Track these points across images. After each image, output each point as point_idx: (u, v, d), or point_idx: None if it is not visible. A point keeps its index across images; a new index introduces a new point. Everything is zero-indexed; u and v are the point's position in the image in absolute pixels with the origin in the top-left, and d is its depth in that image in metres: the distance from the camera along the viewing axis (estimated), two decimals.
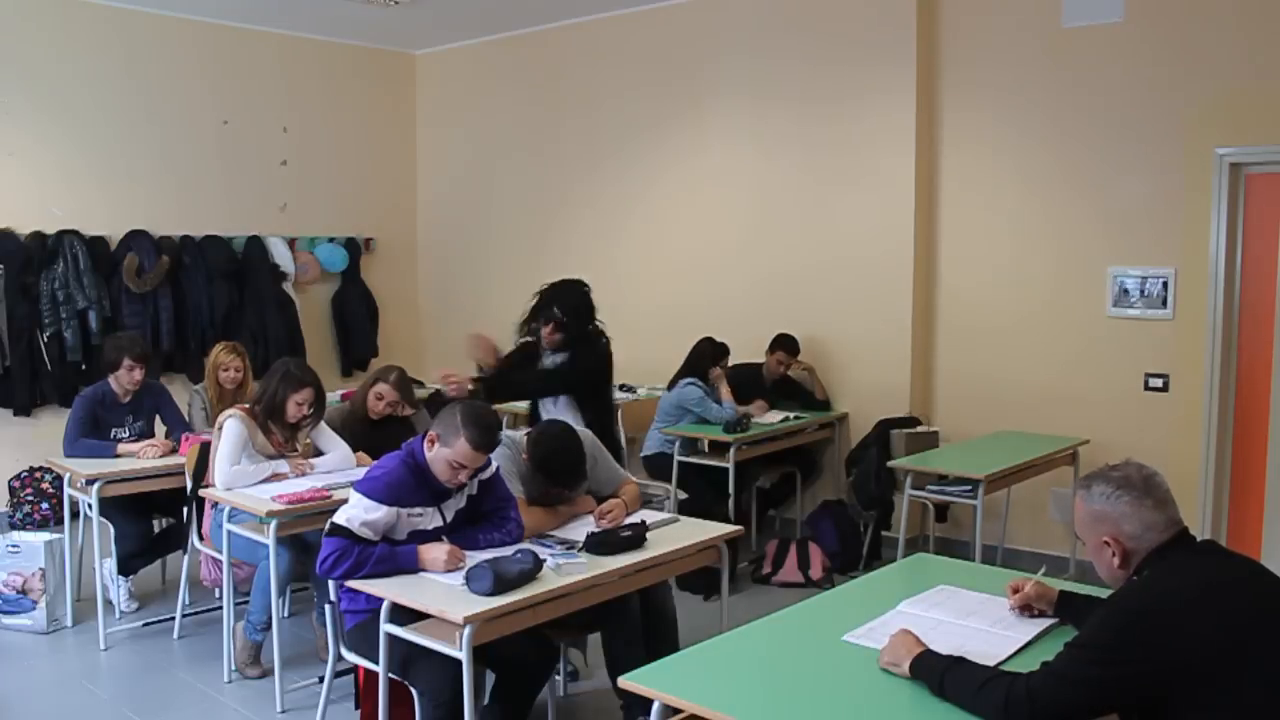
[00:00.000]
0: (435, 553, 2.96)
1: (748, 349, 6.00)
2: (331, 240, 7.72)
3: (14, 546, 4.67)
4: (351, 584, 2.94)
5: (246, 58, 7.27)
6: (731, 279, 6.44)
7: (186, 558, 4.56)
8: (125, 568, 4.78)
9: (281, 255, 7.32)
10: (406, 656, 2.92)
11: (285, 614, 4.74)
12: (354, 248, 7.85)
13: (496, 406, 4.35)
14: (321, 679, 3.56)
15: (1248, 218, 4.93)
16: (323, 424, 4.35)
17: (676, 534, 3.39)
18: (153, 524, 4.91)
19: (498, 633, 2.78)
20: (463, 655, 2.68)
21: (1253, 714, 1.84)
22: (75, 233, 6.38)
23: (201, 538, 4.32)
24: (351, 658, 3.16)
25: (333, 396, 5.10)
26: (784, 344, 5.93)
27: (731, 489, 5.30)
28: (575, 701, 3.98)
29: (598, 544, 3.14)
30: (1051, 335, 5.42)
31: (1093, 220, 5.28)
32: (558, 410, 4.31)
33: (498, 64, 7.69)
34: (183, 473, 4.49)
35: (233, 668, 4.15)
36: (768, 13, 6.18)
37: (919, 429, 5.53)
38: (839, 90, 5.90)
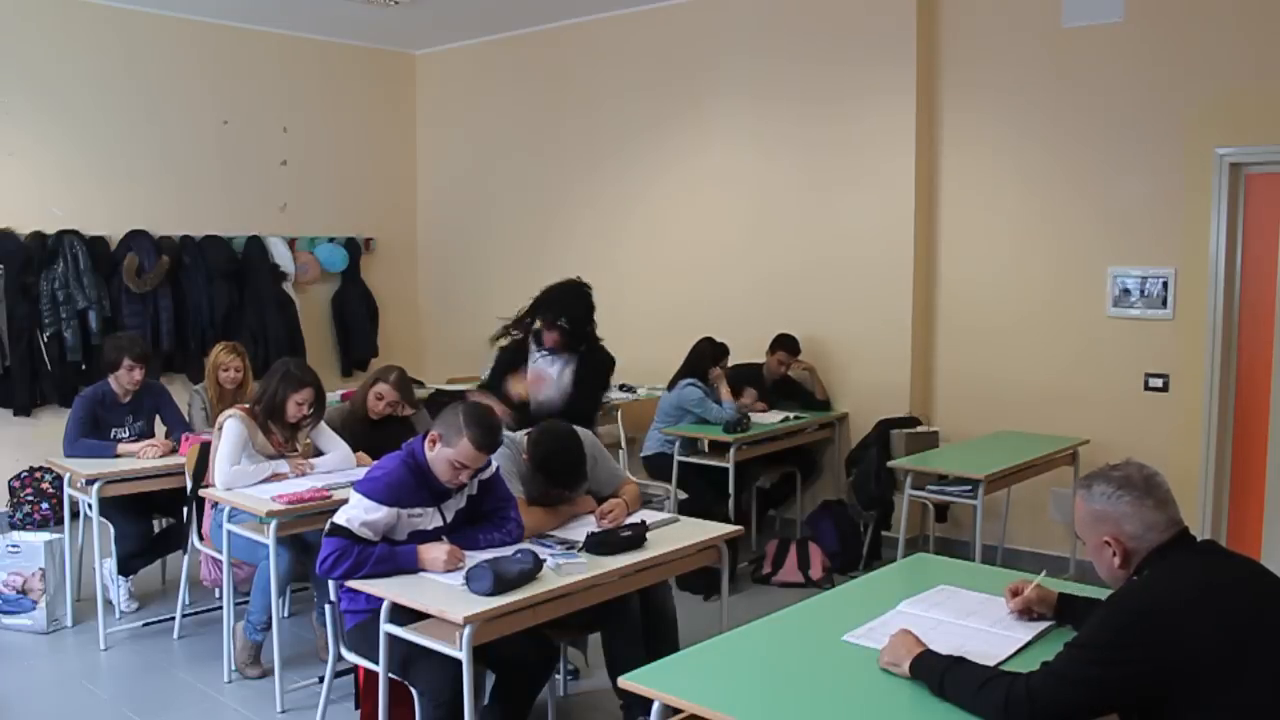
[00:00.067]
0: (435, 553, 2.96)
1: (748, 349, 6.00)
2: (331, 240, 7.72)
3: (14, 546, 4.67)
4: (351, 584, 2.94)
5: (246, 58, 7.27)
6: (732, 279, 6.44)
7: (186, 558, 4.56)
8: (125, 568, 4.78)
9: (281, 255, 7.32)
10: (406, 656, 2.92)
11: (285, 614, 4.74)
12: (354, 248, 7.85)
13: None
14: (321, 679, 3.56)
15: (1248, 218, 4.93)
16: (323, 424, 4.35)
17: (676, 534, 3.39)
18: (153, 524, 4.91)
19: (498, 633, 2.78)
20: (463, 655, 2.68)
21: (1253, 714, 1.84)
22: (75, 233, 6.38)
23: (201, 538, 4.32)
24: (351, 658, 3.16)
25: (333, 396, 5.09)
26: (785, 344, 5.93)
27: (731, 489, 5.30)
28: (575, 701, 3.98)
29: (598, 544, 3.14)
30: (1051, 335, 5.42)
31: (1093, 220, 5.28)
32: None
33: (498, 64, 7.69)
34: (183, 473, 4.49)
35: (233, 668, 4.15)
36: (768, 13, 6.18)
37: (919, 429, 5.53)
38: (839, 90, 5.90)
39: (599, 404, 4.58)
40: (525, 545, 3.14)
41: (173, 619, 4.65)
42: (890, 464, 5.00)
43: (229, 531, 3.94)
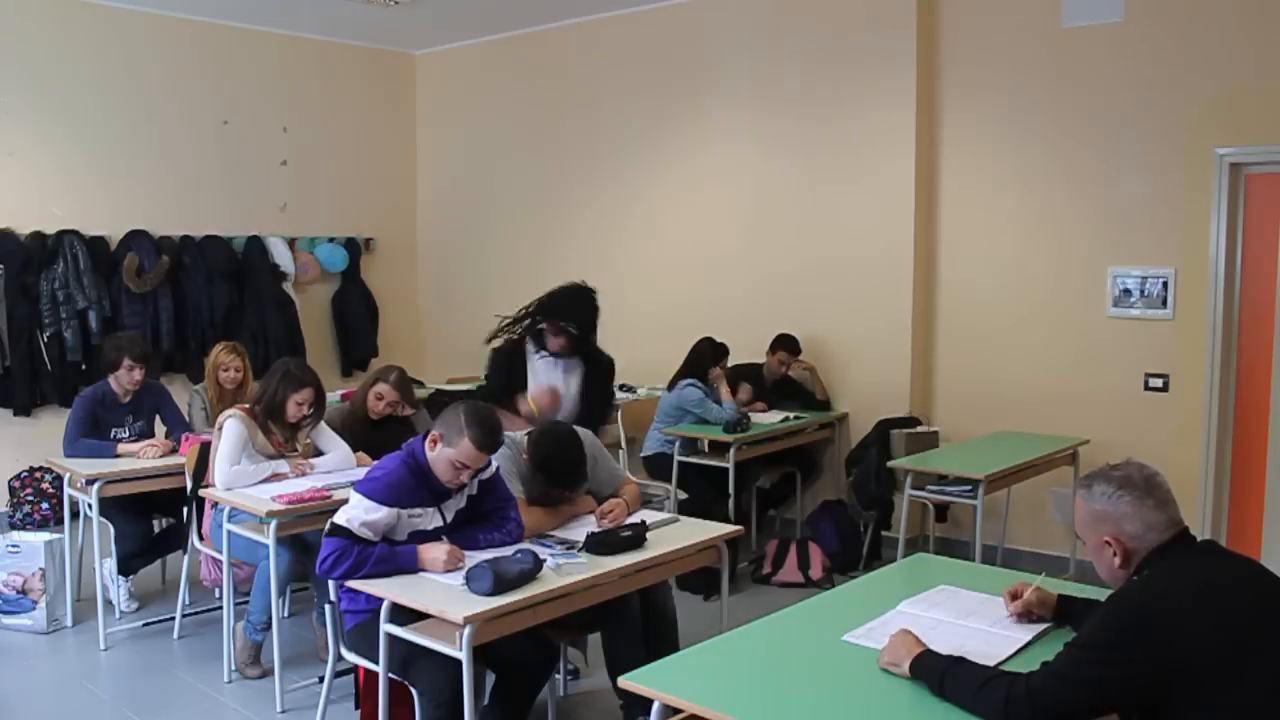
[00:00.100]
0: (435, 553, 2.96)
1: (748, 349, 6.00)
2: (331, 240, 7.72)
3: (14, 546, 4.68)
4: (351, 584, 2.94)
5: (246, 58, 7.27)
6: (732, 279, 6.44)
7: (186, 558, 4.56)
8: (125, 568, 4.78)
9: (281, 255, 7.32)
10: (406, 656, 2.92)
11: (285, 614, 4.74)
12: (354, 248, 7.85)
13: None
14: (321, 679, 3.56)
15: (1248, 218, 4.93)
16: (323, 424, 4.35)
17: (676, 534, 3.39)
18: (153, 524, 4.91)
19: (498, 633, 2.78)
20: (463, 655, 2.68)
21: (1253, 714, 1.84)
22: (75, 233, 6.38)
23: (201, 538, 4.32)
24: (351, 658, 3.15)
25: (333, 396, 5.09)
26: (785, 344, 5.93)
27: (731, 489, 5.30)
28: (575, 701, 3.98)
29: (598, 544, 3.14)
30: (1051, 335, 5.42)
31: (1093, 220, 5.28)
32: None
33: (498, 64, 7.69)
34: (183, 473, 4.49)
35: (233, 668, 4.15)
36: (768, 13, 6.18)
37: (919, 429, 5.53)
38: (839, 90, 5.90)
39: (609, 410, 4.63)
40: (525, 545, 3.14)
41: (173, 619, 4.65)
42: (890, 464, 5.00)
43: (229, 531, 3.94)
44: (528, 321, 4.33)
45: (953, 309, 5.78)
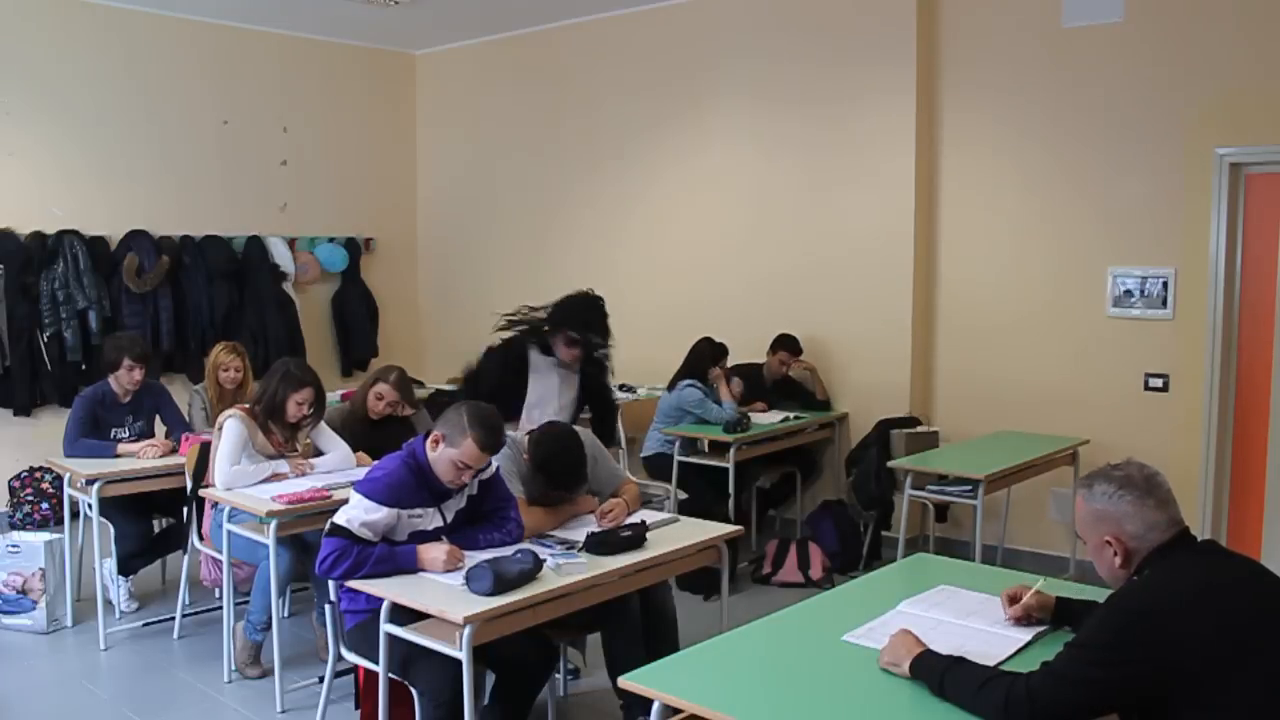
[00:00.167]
0: (435, 553, 2.96)
1: (748, 349, 6.00)
2: (331, 240, 7.72)
3: (14, 546, 4.67)
4: (351, 584, 2.94)
5: (246, 58, 7.27)
6: (731, 279, 6.44)
7: (186, 558, 4.56)
8: (125, 568, 4.78)
9: (281, 255, 7.32)
10: (406, 656, 2.92)
11: (285, 614, 4.74)
12: (354, 248, 7.85)
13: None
14: (321, 679, 3.56)
15: (1248, 218, 4.93)
16: (323, 424, 4.35)
17: (676, 534, 3.39)
18: (153, 524, 4.91)
19: (498, 633, 2.78)
20: (463, 655, 2.68)
21: (1253, 714, 1.84)
22: (75, 233, 6.38)
23: (201, 538, 4.32)
24: (351, 658, 3.15)
25: (333, 396, 5.10)
26: (786, 344, 5.93)
27: (731, 489, 5.30)
28: (575, 701, 3.98)
29: (598, 544, 3.14)
30: (1051, 335, 5.42)
31: (1093, 220, 5.28)
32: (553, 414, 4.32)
33: (498, 64, 7.69)
34: (183, 473, 4.49)
35: (233, 668, 4.15)
36: (768, 13, 6.18)
37: (919, 429, 5.53)
38: (839, 90, 5.90)
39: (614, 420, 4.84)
40: (525, 545, 3.14)
41: (173, 619, 4.65)
42: (890, 464, 5.00)
43: (229, 531, 3.94)
44: (542, 325, 4.31)
45: (953, 309, 5.78)
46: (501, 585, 2.75)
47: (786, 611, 2.64)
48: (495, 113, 7.73)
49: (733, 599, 3.75)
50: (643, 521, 3.40)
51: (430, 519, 3.10)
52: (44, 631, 4.64)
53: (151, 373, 5.24)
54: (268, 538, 3.72)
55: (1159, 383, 5.12)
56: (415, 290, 8.37)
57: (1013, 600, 2.46)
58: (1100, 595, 2.24)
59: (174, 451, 4.70)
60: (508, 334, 4.45)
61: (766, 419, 5.70)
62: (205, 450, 4.23)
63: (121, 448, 4.69)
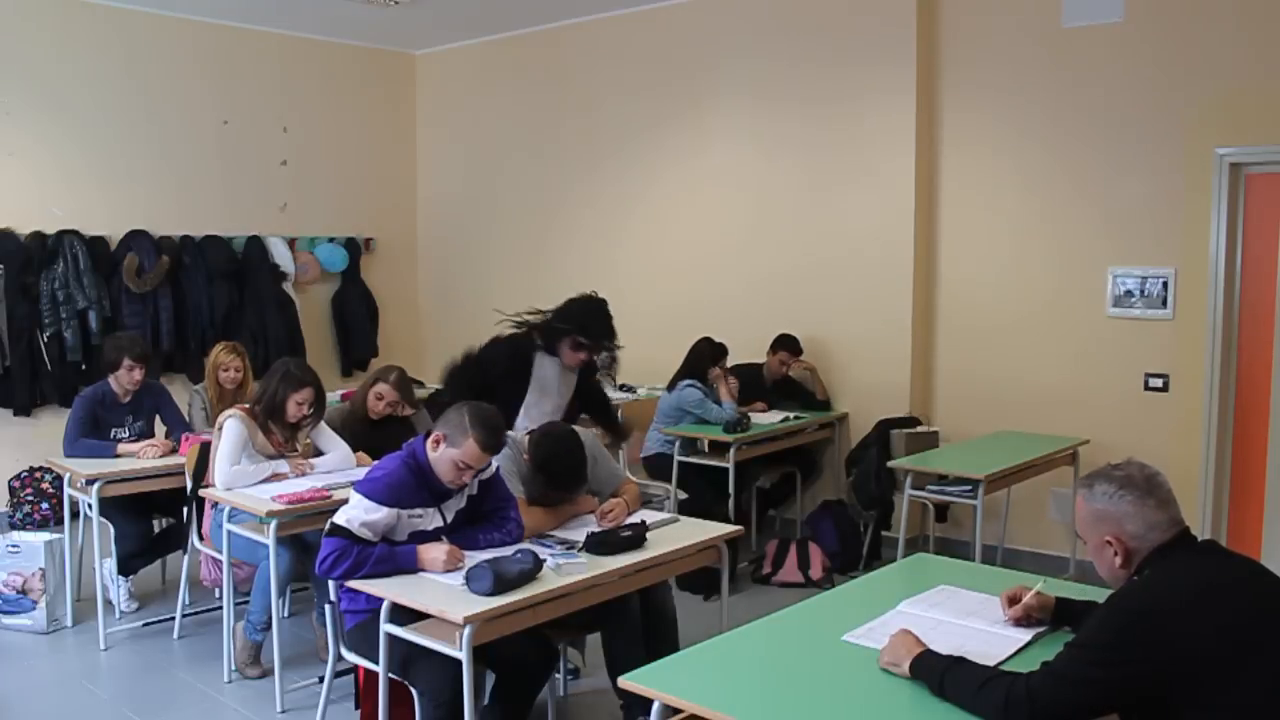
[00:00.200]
0: (434, 553, 2.96)
1: (748, 349, 6.00)
2: (331, 240, 7.72)
3: (14, 546, 4.67)
4: (351, 584, 2.94)
5: (246, 58, 7.27)
6: (731, 279, 6.44)
7: (186, 558, 4.56)
8: (125, 568, 4.78)
9: (281, 255, 7.32)
10: (406, 656, 2.92)
11: (285, 614, 4.74)
12: (354, 248, 7.85)
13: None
14: (321, 679, 3.56)
15: (1248, 218, 4.93)
16: (323, 424, 4.35)
17: (676, 534, 3.39)
18: (153, 524, 4.91)
19: (498, 633, 2.78)
20: (463, 655, 2.68)
21: (1253, 714, 1.84)
22: (75, 233, 6.38)
23: (201, 538, 4.32)
24: (351, 658, 3.15)
25: (333, 396, 5.10)
26: (786, 344, 5.92)
27: (731, 489, 5.30)
28: (575, 701, 3.98)
29: (598, 544, 3.14)
30: (1051, 335, 5.42)
31: (1093, 220, 5.28)
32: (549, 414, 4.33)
33: (498, 64, 7.69)
34: (183, 473, 4.49)
35: (233, 668, 4.15)
36: (768, 13, 6.18)
37: (919, 429, 5.53)
38: (839, 90, 5.90)
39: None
40: (525, 545, 3.14)
41: (173, 619, 4.65)
42: (890, 464, 5.00)
43: (229, 531, 3.94)
44: (546, 327, 4.30)
45: (953, 309, 5.78)
46: (501, 585, 2.75)
47: (786, 611, 2.64)
48: (495, 113, 7.73)
49: (733, 599, 3.75)
50: (643, 521, 3.40)
51: (430, 519, 3.10)
52: (44, 631, 4.64)
53: (151, 373, 5.24)
54: (268, 538, 3.72)
55: (1159, 383, 5.12)
56: (415, 290, 8.37)
57: (1012, 601, 2.46)
58: (1100, 595, 2.24)
59: (174, 451, 4.70)
60: (513, 331, 4.45)
61: (766, 419, 5.70)
62: (205, 450, 4.23)
63: (121, 448, 4.69)
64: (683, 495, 5.43)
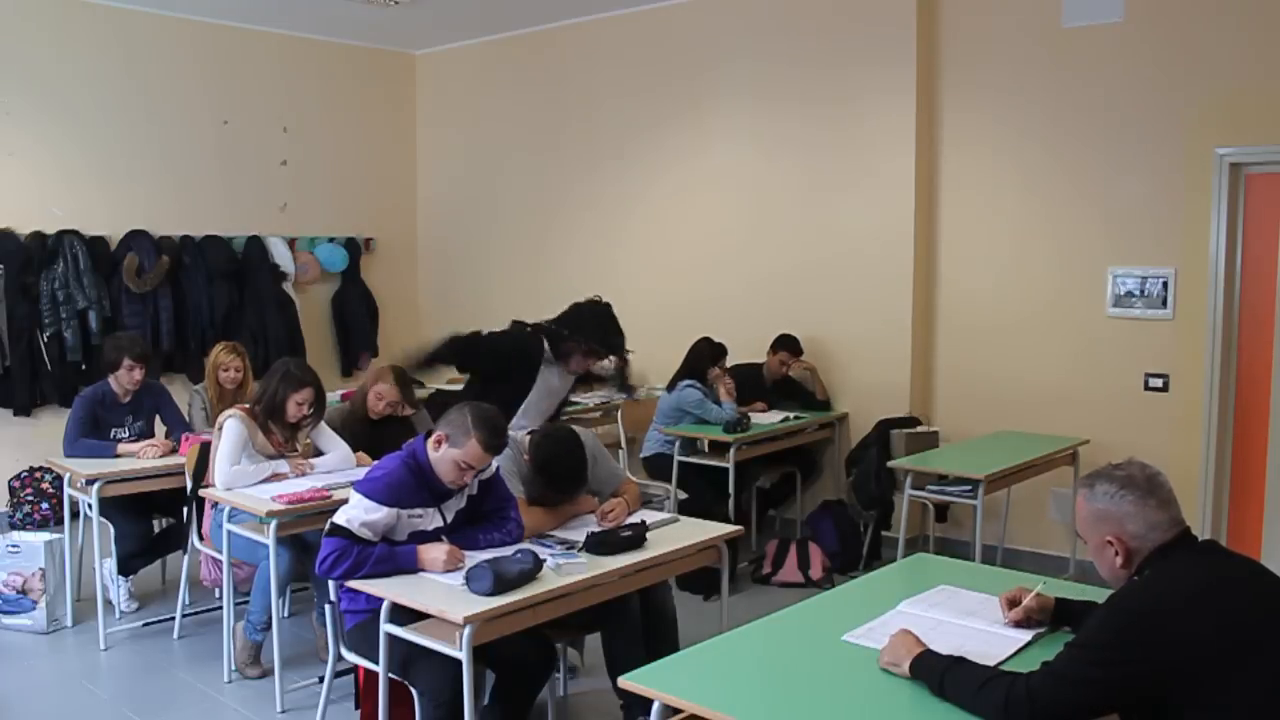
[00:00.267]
0: (434, 553, 2.96)
1: (748, 349, 6.00)
2: (331, 240, 7.72)
3: (14, 546, 4.67)
4: (351, 584, 2.94)
5: (246, 58, 7.27)
6: (731, 279, 6.44)
7: (186, 558, 4.56)
8: (125, 568, 4.77)
9: (281, 255, 7.32)
10: (406, 656, 2.92)
11: (285, 614, 4.74)
12: (354, 248, 7.85)
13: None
14: (321, 679, 3.56)
15: (1248, 218, 4.93)
16: (323, 424, 4.35)
17: (676, 534, 3.39)
18: (153, 524, 4.91)
19: (498, 633, 2.78)
20: (463, 655, 2.68)
21: (1253, 714, 1.84)
22: (75, 233, 6.38)
23: (201, 538, 4.32)
24: (351, 658, 3.15)
25: (333, 396, 5.09)
26: (787, 344, 5.92)
27: (731, 489, 5.30)
28: (575, 701, 3.98)
29: (598, 544, 3.14)
30: (1051, 335, 5.42)
31: (1093, 220, 5.28)
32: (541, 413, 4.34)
33: (498, 64, 7.69)
34: (183, 473, 4.49)
35: (233, 668, 4.15)
36: (768, 14, 6.18)
37: (919, 429, 5.53)
38: (839, 91, 5.90)
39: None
40: (525, 545, 3.14)
41: (173, 619, 4.65)
42: (890, 464, 5.00)
43: (229, 531, 3.94)
44: (564, 334, 4.29)
45: (953, 309, 5.78)
46: (501, 585, 2.75)
47: (786, 611, 2.64)
48: (495, 113, 7.73)
49: (733, 599, 3.75)
50: (643, 521, 3.40)
51: (430, 519, 3.10)
52: (44, 631, 4.64)
53: (151, 373, 5.24)
54: (268, 538, 3.72)
55: (1159, 383, 5.12)
56: (415, 290, 8.37)
57: (1012, 604, 2.45)
58: (1100, 595, 2.25)
59: (174, 451, 4.70)
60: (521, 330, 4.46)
61: (766, 419, 5.70)
62: (205, 450, 4.23)
63: (121, 448, 4.69)
64: (683, 495, 5.43)
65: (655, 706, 2.14)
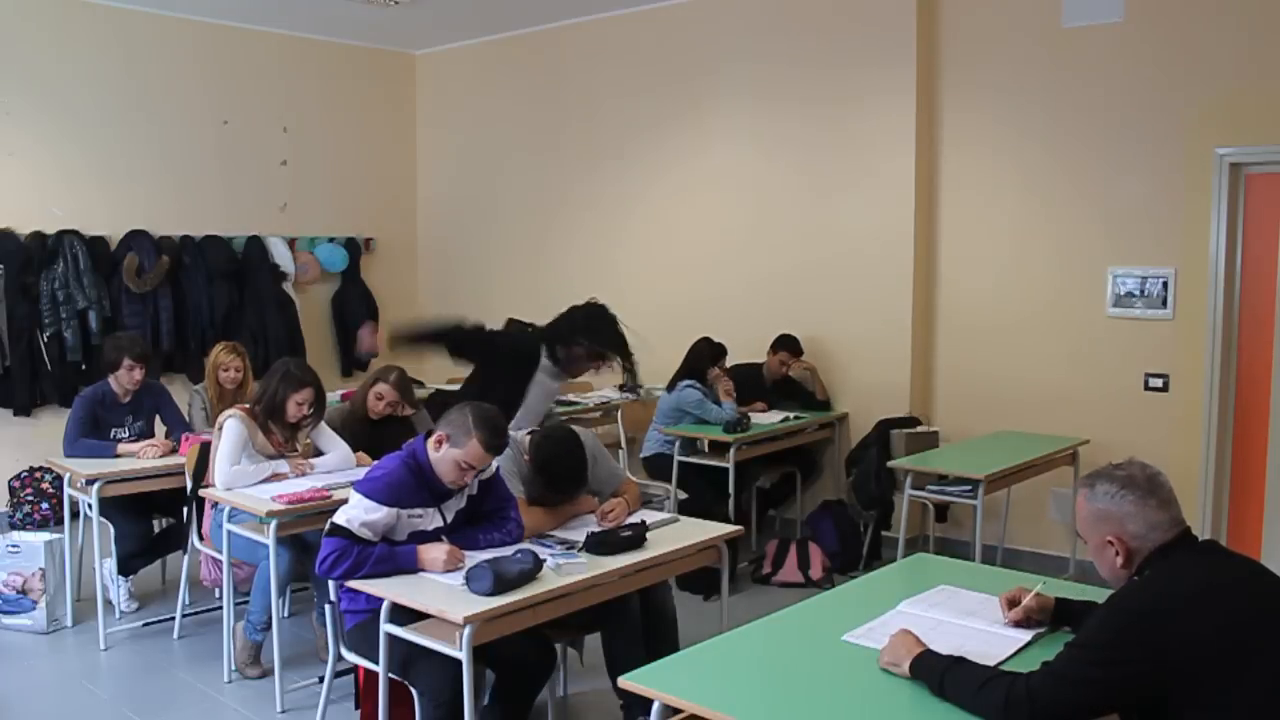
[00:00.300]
0: (434, 553, 2.96)
1: (748, 349, 6.00)
2: (331, 240, 7.72)
3: (14, 546, 4.67)
4: (351, 584, 2.94)
5: (246, 58, 7.27)
6: (731, 279, 6.44)
7: (186, 558, 4.56)
8: (125, 568, 4.77)
9: (281, 255, 7.32)
10: (406, 656, 2.92)
11: (285, 614, 4.74)
12: (354, 248, 7.85)
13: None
14: (321, 679, 3.56)
15: (1248, 218, 4.93)
16: (323, 424, 4.35)
17: (676, 534, 3.39)
18: (153, 524, 4.91)
19: (498, 633, 2.78)
20: (463, 655, 2.68)
21: (1253, 714, 1.84)
22: (75, 233, 6.38)
23: (201, 538, 4.32)
24: (351, 658, 3.15)
25: (333, 396, 5.09)
26: (787, 344, 5.92)
27: (731, 489, 5.30)
28: (575, 701, 3.98)
29: (598, 544, 3.14)
30: (1051, 335, 5.42)
31: (1093, 220, 5.28)
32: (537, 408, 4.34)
33: (498, 64, 7.69)
34: (183, 473, 4.49)
35: (233, 668, 4.15)
36: (768, 14, 6.18)
37: (919, 429, 5.53)
38: (839, 91, 5.90)
39: None
40: (525, 545, 3.14)
41: (173, 619, 4.65)
42: (890, 464, 5.00)
43: (229, 531, 3.94)
44: (565, 335, 4.28)
45: (953, 309, 5.78)
46: (501, 585, 2.75)
47: (786, 611, 2.64)
48: (495, 113, 7.73)
49: (733, 599, 3.75)
50: (643, 521, 3.40)
51: (430, 519, 3.10)
52: (44, 631, 4.64)
53: (151, 373, 5.23)
54: (268, 538, 3.72)
55: (1159, 383, 5.12)
56: (415, 290, 8.37)
57: (1011, 604, 2.45)
58: (1100, 595, 2.25)
59: (174, 451, 4.70)
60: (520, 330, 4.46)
61: (766, 419, 5.70)
62: (205, 450, 4.23)
63: (121, 448, 4.69)
64: (683, 495, 5.43)
65: (655, 706, 2.14)
